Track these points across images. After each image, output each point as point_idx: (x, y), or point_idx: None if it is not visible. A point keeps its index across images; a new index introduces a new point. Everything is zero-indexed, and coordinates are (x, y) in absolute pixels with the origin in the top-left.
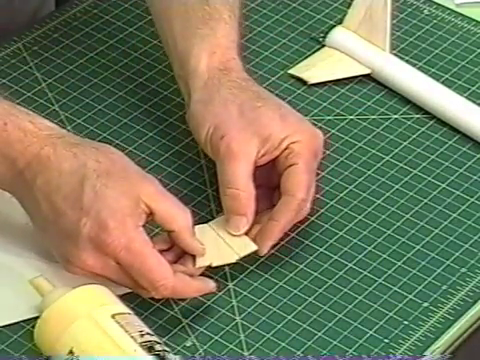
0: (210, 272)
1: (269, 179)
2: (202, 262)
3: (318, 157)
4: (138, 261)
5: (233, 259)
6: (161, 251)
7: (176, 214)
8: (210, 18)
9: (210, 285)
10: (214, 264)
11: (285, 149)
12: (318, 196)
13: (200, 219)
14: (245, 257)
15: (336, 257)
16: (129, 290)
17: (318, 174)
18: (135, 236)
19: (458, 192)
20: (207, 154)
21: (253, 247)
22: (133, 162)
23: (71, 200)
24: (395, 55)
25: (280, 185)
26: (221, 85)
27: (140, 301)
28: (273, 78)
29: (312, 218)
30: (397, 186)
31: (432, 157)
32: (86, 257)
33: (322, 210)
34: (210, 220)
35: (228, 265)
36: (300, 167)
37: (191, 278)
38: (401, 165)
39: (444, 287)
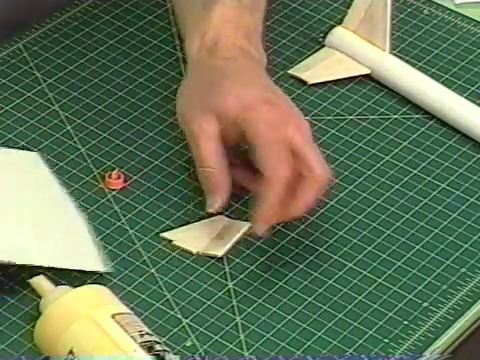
0: (210, 271)
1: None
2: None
3: (282, 127)
4: None
5: (194, 250)
6: None
7: None
8: (209, 1)
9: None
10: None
11: (242, 129)
12: None
13: (200, 219)
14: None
15: (336, 257)
16: (129, 288)
17: None
18: None
19: (458, 192)
20: None
21: (218, 253)
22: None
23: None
24: (395, 55)
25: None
26: (203, 68)
27: (140, 301)
28: (273, 78)
29: (312, 218)
30: (397, 186)
31: (432, 157)
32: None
33: (322, 210)
34: None
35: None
36: (261, 145)
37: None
38: (401, 165)
39: (444, 287)
